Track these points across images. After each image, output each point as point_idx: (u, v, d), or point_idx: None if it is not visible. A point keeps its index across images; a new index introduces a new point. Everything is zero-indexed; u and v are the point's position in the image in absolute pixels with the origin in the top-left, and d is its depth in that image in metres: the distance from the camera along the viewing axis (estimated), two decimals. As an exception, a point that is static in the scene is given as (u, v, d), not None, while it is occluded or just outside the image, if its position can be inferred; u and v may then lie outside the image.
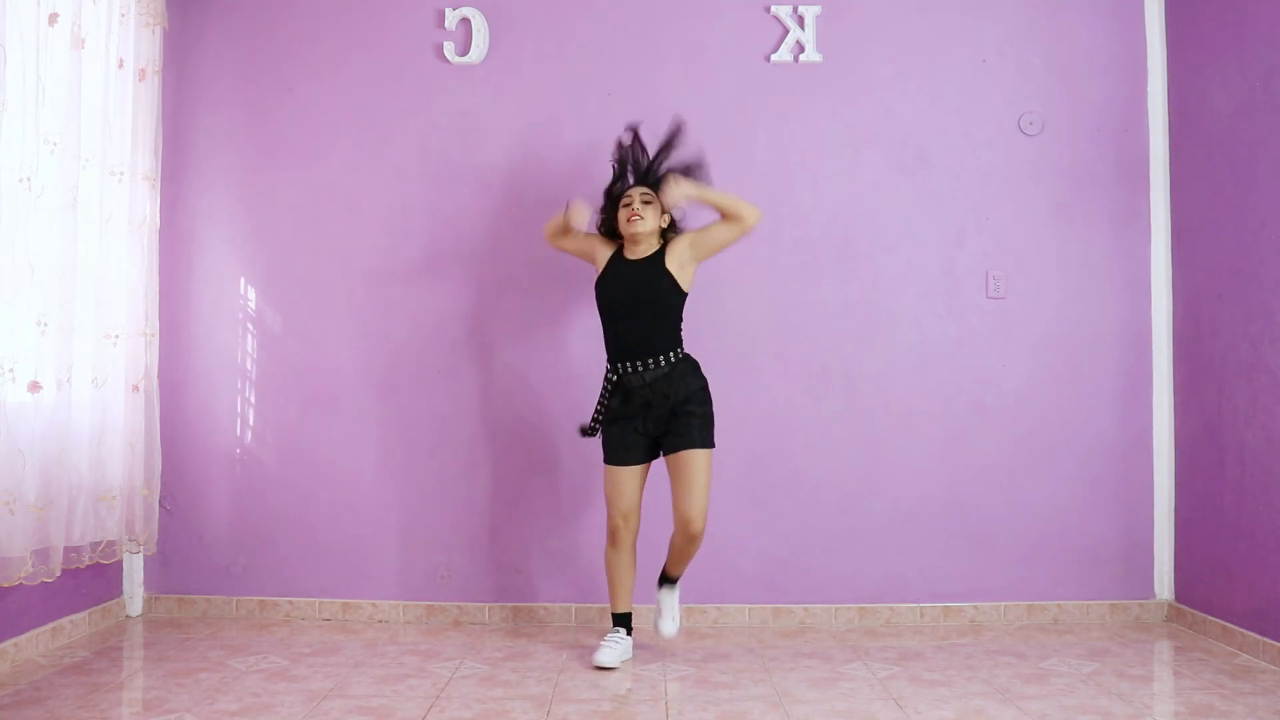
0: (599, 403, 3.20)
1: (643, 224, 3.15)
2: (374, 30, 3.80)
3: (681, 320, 3.22)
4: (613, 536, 3.22)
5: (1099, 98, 3.78)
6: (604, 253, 3.27)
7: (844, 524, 3.71)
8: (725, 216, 3.18)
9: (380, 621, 3.71)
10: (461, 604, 3.71)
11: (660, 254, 3.19)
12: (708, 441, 3.14)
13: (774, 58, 3.76)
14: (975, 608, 3.70)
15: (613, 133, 3.74)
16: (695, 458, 3.10)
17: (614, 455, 3.19)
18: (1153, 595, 3.74)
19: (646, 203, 3.18)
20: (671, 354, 3.14)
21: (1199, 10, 3.57)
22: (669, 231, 3.26)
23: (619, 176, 3.30)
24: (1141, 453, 3.75)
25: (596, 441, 3.71)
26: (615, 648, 3.15)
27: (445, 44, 3.77)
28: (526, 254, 3.74)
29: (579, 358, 3.71)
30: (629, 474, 3.18)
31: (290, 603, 3.75)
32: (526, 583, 3.72)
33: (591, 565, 3.67)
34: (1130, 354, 3.76)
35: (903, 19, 3.78)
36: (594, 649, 3.22)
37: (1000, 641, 3.44)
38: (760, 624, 3.65)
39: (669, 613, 3.29)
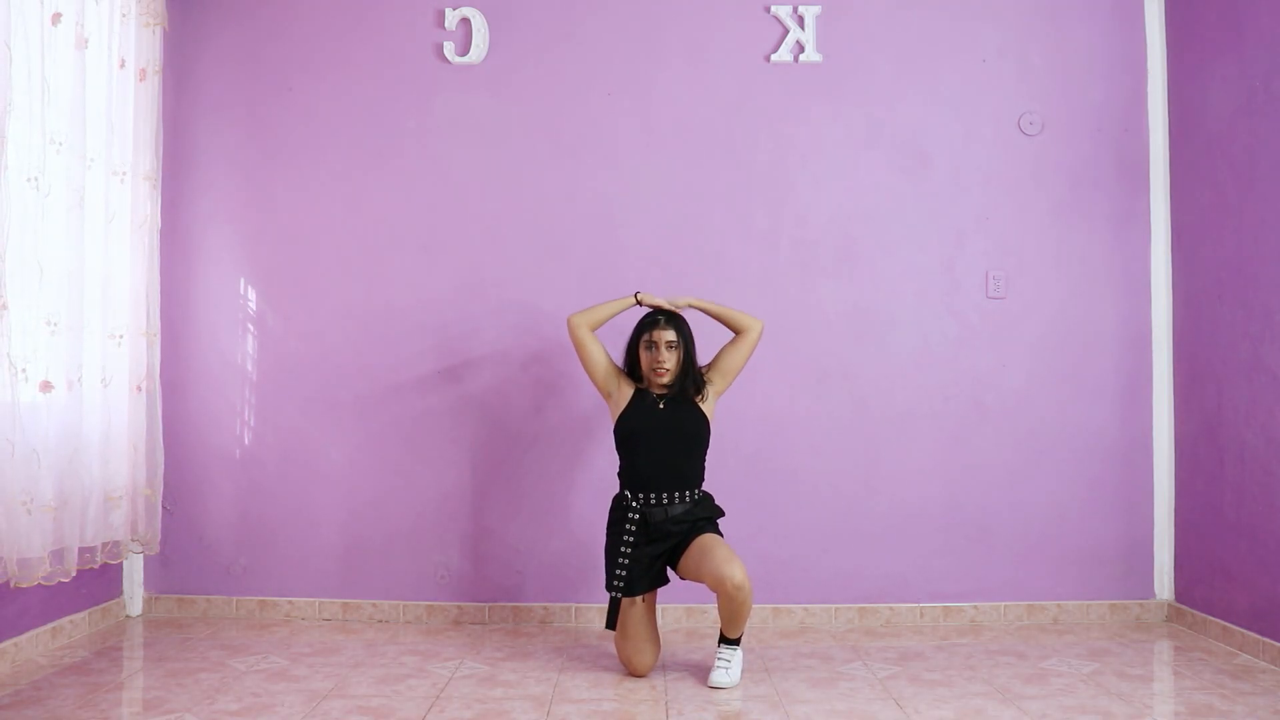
0: (620, 541, 3.02)
1: (669, 376, 3.05)
2: (374, 30, 3.81)
3: (707, 452, 3.15)
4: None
5: (1099, 98, 3.78)
6: (625, 390, 3.13)
7: (844, 524, 3.71)
8: (733, 330, 3.15)
9: (380, 621, 3.71)
10: (461, 604, 3.71)
11: (685, 391, 3.08)
12: (719, 532, 3.06)
13: (774, 58, 3.76)
14: (975, 608, 3.70)
15: (613, 132, 3.75)
16: (712, 537, 2.99)
17: (630, 585, 2.99)
18: (1153, 595, 3.74)
19: (671, 347, 3.05)
20: (697, 490, 3.08)
21: (1199, 10, 3.57)
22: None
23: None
24: (1141, 453, 3.75)
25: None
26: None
27: (445, 44, 3.78)
28: (528, 255, 3.75)
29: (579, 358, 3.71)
30: (643, 607, 3.02)
31: (290, 603, 3.75)
32: (526, 583, 3.72)
33: (592, 566, 3.67)
34: (1130, 354, 3.76)
35: (903, 19, 3.78)
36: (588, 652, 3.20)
37: (1000, 641, 3.44)
38: (760, 624, 3.65)
39: (724, 664, 2.93)
